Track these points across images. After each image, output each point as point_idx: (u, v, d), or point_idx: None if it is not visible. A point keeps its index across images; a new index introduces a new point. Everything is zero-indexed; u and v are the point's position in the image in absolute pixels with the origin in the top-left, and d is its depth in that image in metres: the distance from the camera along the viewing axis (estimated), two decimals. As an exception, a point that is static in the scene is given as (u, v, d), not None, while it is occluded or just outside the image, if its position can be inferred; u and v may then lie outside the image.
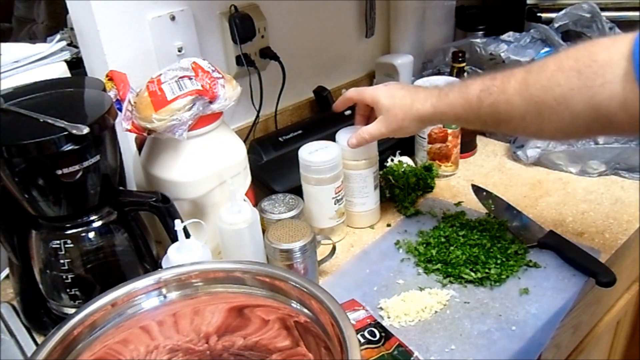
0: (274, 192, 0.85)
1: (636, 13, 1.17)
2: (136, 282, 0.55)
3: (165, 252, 0.66)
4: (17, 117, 0.61)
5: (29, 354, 0.68)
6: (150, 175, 0.76)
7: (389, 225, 0.90)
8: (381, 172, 0.93)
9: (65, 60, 0.80)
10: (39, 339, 0.71)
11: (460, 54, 1.06)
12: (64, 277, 0.67)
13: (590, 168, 0.98)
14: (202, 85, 0.71)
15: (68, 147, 0.58)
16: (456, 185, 1.00)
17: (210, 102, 0.72)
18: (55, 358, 0.48)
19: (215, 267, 0.58)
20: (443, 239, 0.83)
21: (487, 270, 0.76)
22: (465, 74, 1.08)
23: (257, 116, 1.02)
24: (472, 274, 0.76)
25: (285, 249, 0.71)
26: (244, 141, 0.82)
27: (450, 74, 1.08)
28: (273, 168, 0.91)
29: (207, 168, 0.75)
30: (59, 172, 0.60)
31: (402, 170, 0.94)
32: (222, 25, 0.95)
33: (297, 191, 0.85)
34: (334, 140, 0.85)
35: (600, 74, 0.57)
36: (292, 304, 0.54)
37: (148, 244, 0.73)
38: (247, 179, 0.81)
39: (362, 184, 0.86)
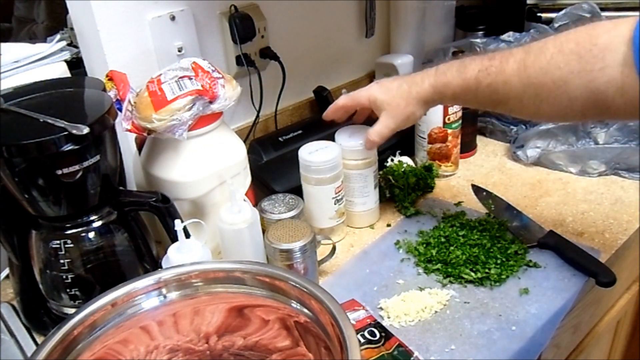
0: (274, 192, 0.85)
1: (636, 13, 1.17)
2: (136, 282, 0.55)
3: (165, 252, 0.66)
4: (17, 117, 0.61)
5: (29, 354, 0.68)
6: (150, 175, 0.76)
7: (389, 225, 0.90)
8: (381, 172, 0.93)
9: (65, 60, 0.80)
10: (39, 339, 0.71)
11: (460, 54, 1.06)
12: (64, 277, 0.67)
13: (590, 168, 0.98)
14: (202, 85, 0.71)
15: (68, 147, 0.58)
16: (456, 185, 1.00)
17: (210, 102, 0.72)
18: (55, 358, 0.48)
19: (215, 267, 0.58)
20: (443, 239, 0.83)
21: (487, 270, 0.76)
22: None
23: (257, 116, 1.02)
24: (472, 274, 0.76)
25: (285, 249, 0.71)
26: (244, 141, 0.82)
27: (450, 74, 1.08)
28: (273, 168, 0.91)
29: (207, 168, 0.75)
30: (59, 172, 0.60)
31: (402, 170, 0.93)
32: (222, 25, 0.95)
33: (297, 191, 0.85)
34: (334, 140, 0.85)
35: (600, 58, 0.57)
36: (292, 304, 0.54)
37: (148, 244, 0.73)
38: (247, 179, 0.81)
39: (362, 184, 0.86)
